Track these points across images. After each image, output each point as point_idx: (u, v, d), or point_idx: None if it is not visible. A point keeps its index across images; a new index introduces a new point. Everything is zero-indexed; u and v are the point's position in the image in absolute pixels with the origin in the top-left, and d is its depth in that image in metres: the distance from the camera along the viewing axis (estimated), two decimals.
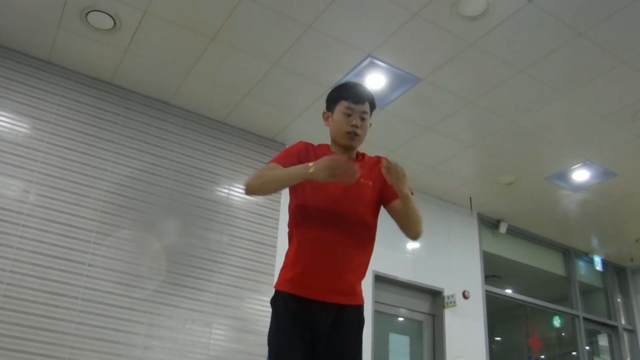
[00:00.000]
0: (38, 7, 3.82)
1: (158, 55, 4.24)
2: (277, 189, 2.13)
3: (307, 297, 2.02)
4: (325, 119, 2.27)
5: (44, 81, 4.33)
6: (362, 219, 2.12)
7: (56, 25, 3.98)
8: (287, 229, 2.18)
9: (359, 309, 2.14)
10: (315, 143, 2.24)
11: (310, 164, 1.94)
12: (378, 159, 2.21)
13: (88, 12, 3.82)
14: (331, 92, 2.28)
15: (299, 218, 2.11)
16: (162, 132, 4.73)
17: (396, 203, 2.11)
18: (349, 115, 2.16)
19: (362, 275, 2.16)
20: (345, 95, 2.19)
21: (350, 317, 2.09)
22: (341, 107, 2.18)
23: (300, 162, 2.08)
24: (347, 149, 2.20)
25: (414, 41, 3.92)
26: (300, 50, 4.06)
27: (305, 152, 2.15)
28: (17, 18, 3.94)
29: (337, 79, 4.32)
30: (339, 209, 2.07)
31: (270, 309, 2.09)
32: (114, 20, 3.88)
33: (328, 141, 2.26)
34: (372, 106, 2.25)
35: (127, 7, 3.76)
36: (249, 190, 2.06)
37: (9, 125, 4.12)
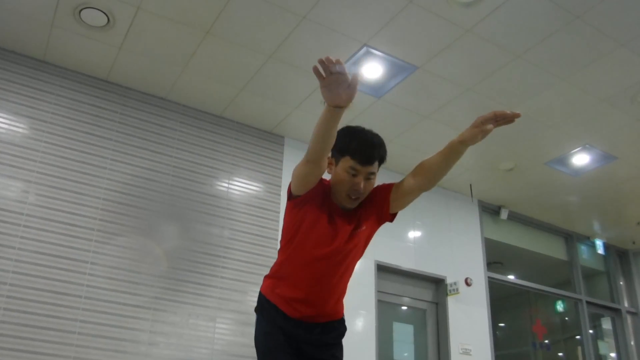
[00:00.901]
0: (31, 6, 3.80)
1: (153, 51, 4.22)
2: (326, 142, 1.82)
3: (294, 318, 2.06)
4: (328, 165, 2.01)
5: (39, 81, 4.32)
6: (353, 258, 2.10)
7: (50, 24, 3.96)
8: (280, 238, 2.19)
9: (341, 320, 2.21)
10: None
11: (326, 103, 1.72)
12: (377, 187, 2.11)
13: (81, 10, 3.80)
14: (338, 136, 1.92)
15: (294, 245, 2.07)
16: (160, 128, 4.71)
17: (436, 160, 1.94)
18: (354, 175, 1.97)
19: (345, 292, 2.18)
20: (353, 152, 1.96)
21: (333, 327, 2.16)
22: (346, 163, 1.98)
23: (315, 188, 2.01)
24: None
25: (410, 29, 3.90)
26: (295, 41, 4.04)
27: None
28: (10, 18, 3.92)
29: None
30: (334, 251, 2.02)
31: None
32: (108, 17, 3.86)
33: None
34: (382, 162, 2.04)
35: (120, 4, 3.74)
36: (311, 160, 1.86)
37: (6, 126, 4.10)
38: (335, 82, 1.63)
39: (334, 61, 1.59)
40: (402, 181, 2.06)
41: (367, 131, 2.05)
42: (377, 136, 2.04)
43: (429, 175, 1.97)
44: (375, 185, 2.09)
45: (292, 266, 2.08)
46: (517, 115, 1.82)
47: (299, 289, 2.05)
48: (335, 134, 1.82)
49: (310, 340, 2.08)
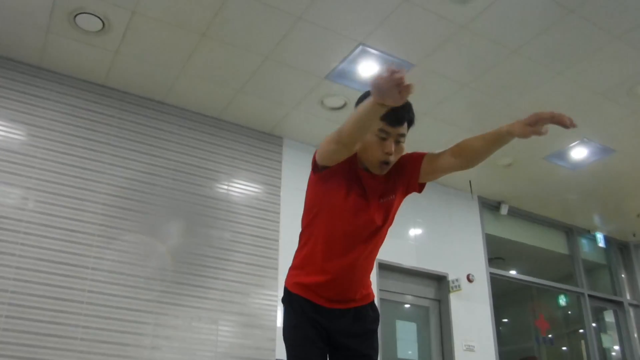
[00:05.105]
0: (26, 12, 3.79)
1: (149, 55, 4.22)
2: (363, 131, 1.76)
3: (323, 306, 1.99)
4: None
5: (36, 87, 4.31)
6: (381, 231, 2.02)
7: (45, 30, 3.95)
8: (297, 228, 2.10)
9: (372, 304, 2.12)
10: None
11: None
12: (406, 156, 2.03)
13: (76, 15, 3.80)
14: (364, 99, 1.80)
15: (319, 221, 1.99)
16: (158, 131, 4.71)
17: (480, 144, 1.89)
18: (383, 139, 1.88)
19: (370, 272, 2.11)
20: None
21: (366, 313, 2.07)
22: (375, 126, 1.86)
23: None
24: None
25: (405, 27, 3.90)
26: (291, 42, 4.04)
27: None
28: (5, 24, 3.91)
29: (331, 68, 4.29)
30: (360, 226, 1.96)
31: (278, 305, 2.06)
32: (103, 22, 3.86)
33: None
34: (410, 124, 1.95)
35: (115, 8, 3.73)
36: (342, 142, 1.77)
37: (3, 133, 4.10)
38: (390, 87, 1.54)
39: (398, 70, 1.51)
40: (438, 155, 1.98)
41: None
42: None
43: (471, 158, 1.92)
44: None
45: (318, 246, 1.97)
46: (574, 126, 1.75)
47: (325, 271, 1.95)
48: (373, 126, 1.78)
49: (342, 328, 1.99)
